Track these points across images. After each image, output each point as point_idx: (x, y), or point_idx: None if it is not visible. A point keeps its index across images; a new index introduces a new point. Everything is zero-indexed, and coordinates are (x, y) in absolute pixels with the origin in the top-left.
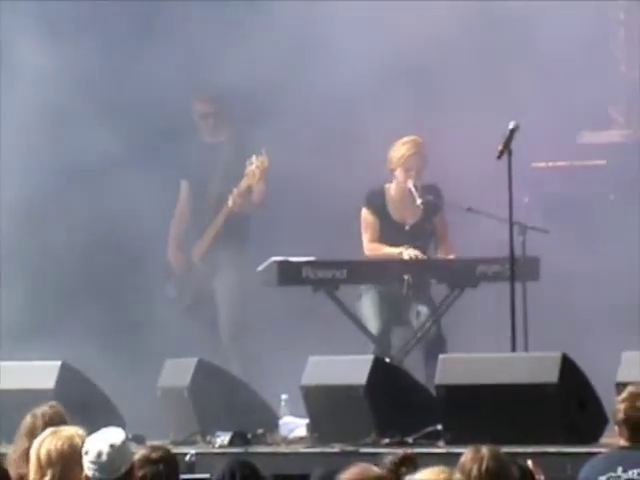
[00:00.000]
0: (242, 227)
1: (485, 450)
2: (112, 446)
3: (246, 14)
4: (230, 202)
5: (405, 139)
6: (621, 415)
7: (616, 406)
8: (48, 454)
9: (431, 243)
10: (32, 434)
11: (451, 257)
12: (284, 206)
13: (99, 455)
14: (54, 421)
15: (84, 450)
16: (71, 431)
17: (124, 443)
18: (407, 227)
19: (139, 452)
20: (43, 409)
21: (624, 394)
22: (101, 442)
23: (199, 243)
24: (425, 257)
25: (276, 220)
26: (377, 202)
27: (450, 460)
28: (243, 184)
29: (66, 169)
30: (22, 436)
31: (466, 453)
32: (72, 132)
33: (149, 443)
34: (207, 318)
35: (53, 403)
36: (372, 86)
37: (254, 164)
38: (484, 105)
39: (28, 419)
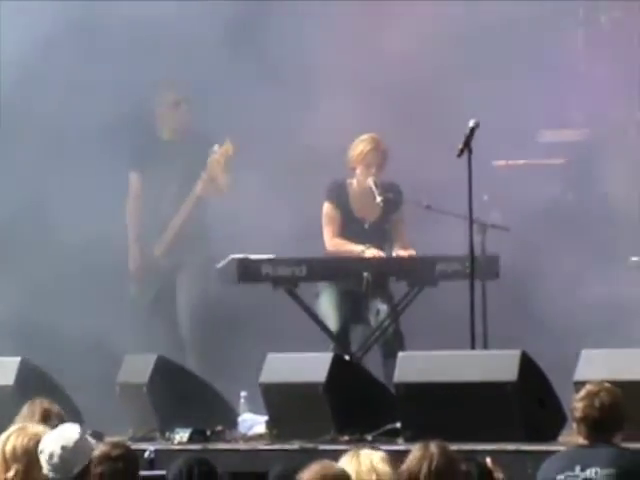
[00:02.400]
0: (202, 224)
1: (434, 447)
2: (64, 447)
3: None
4: (199, 189)
5: (363, 136)
6: (579, 413)
7: (574, 404)
8: (13, 450)
9: (388, 241)
10: (31, 420)
11: (407, 254)
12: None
13: (51, 456)
14: (53, 405)
15: (39, 449)
16: (38, 429)
17: (77, 443)
18: (366, 225)
19: (99, 448)
20: (40, 398)
21: (582, 392)
22: (53, 443)
23: (161, 239)
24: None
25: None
26: (339, 196)
27: None
28: (207, 174)
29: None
30: (21, 420)
31: (414, 451)
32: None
33: (108, 439)
34: (168, 315)
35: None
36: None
37: (217, 153)
38: (443, 103)
39: (27, 406)
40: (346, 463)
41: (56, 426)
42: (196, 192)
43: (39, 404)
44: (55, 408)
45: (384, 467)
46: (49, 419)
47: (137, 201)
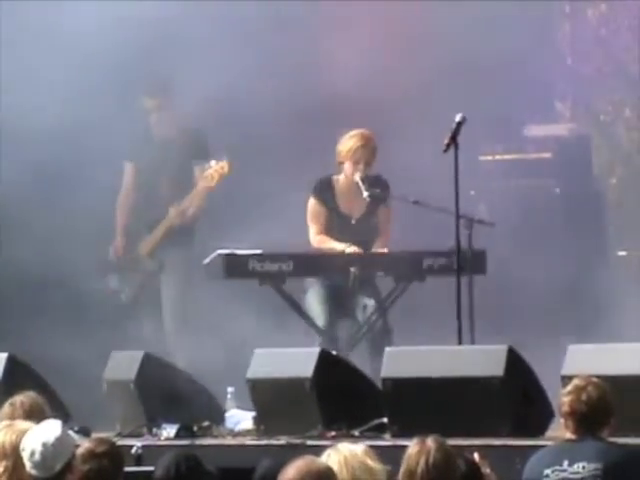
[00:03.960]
0: (189, 224)
1: (431, 442)
2: (44, 445)
3: None
4: (171, 215)
5: (353, 132)
6: (566, 408)
7: (561, 399)
8: (2, 446)
9: (376, 236)
10: None
11: (384, 250)
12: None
13: (32, 454)
14: (33, 410)
15: (21, 447)
16: (26, 425)
17: (58, 440)
18: (353, 221)
19: (83, 445)
20: (21, 398)
21: (569, 387)
22: (34, 440)
23: (148, 238)
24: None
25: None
26: (325, 192)
27: (396, 453)
28: (200, 187)
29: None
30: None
31: (412, 446)
32: None
33: (94, 435)
34: (153, 311)
35: (29, 393)
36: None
37: (213, 168)
38: (430, 98)
39: (6, 408)
40: (332, 463)
41: (40, 420)
42: (184, 204)
43: (19, 399)
44: (37, 402)
45: (373, 462)
46: (32, 413)
47: (129, 192)
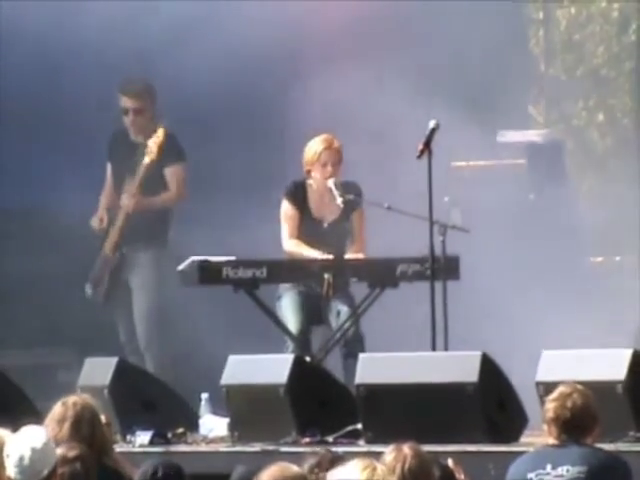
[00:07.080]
0: (162, 226)
1: (407, 449)
2: (34, 449)
3: None
4: (123, 201)
5: (315, 138)
6: (551, 414)
7: (546, 405)
8: None
9: (348, 242)
10: (62, 422)
11: (360, 256)
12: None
13: (21, 459)
14: (85, 410)
15: (5, 453)
16: (1, 432)
17: (46, 445)
18: (325, 225)
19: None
20: (74, 398)
21: (555, 394)
22: (23, 445)
23: (109, 236)
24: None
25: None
26: (297, 196)
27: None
28: (144, 163)
29: None
30: (52, 421)
31: (388, 452)
32: None
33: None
34: (125, 315)
35: (82, 394)
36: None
37: (152, 139)
38: (405, 104)
39: (59, 407)
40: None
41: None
42: (132, 187)
43: (72, 400)
44: (88, 402)
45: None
46: (84, 413)
47: (109, 192)
